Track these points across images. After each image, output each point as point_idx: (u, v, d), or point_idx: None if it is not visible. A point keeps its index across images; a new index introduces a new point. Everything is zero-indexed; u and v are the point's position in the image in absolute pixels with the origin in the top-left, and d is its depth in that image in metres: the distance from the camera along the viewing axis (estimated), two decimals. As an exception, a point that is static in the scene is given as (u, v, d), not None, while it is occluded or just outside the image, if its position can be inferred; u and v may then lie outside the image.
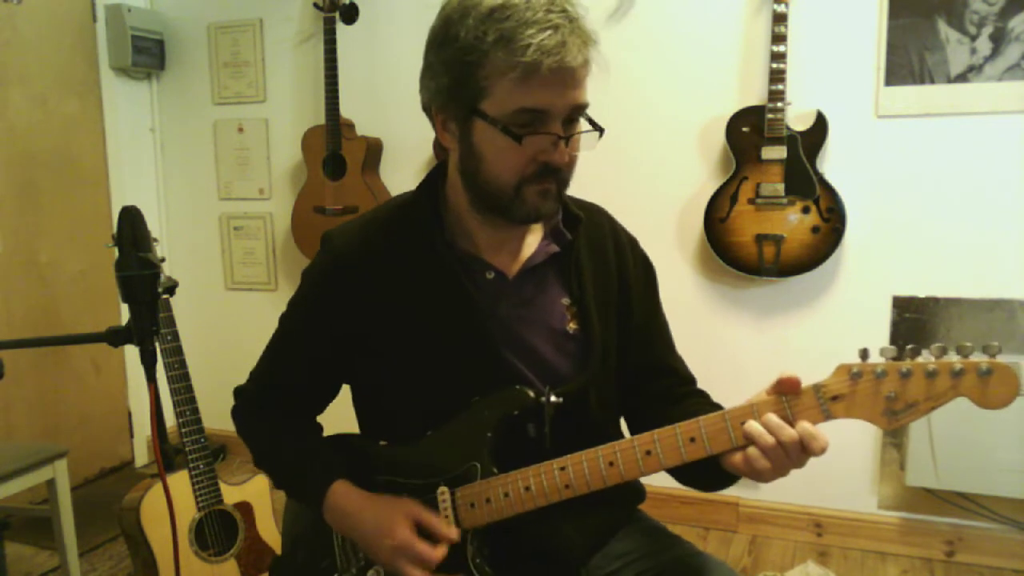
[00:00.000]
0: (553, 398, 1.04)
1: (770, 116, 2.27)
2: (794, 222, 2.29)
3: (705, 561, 1.13)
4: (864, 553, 2.42)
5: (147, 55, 3.11)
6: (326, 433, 1.25)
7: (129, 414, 3.21)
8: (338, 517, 1.12)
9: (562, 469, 1.01)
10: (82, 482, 2.97)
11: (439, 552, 1.04)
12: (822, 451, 0.90)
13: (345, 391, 1.23)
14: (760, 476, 0.93)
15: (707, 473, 1.01)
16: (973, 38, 2.18)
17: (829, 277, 2.40)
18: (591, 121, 1.04)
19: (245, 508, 1.96)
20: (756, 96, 2.37)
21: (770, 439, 0.91)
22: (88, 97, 3.03)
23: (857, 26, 2.29)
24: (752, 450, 0.92)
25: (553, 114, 0.98)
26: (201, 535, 1.88)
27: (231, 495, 1.94)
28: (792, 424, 0.91)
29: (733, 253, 2.37)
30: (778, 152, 2.28)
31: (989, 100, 2.19)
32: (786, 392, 0.93)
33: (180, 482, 1.86)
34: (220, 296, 3.28)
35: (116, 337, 0.98)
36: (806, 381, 0.93)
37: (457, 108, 1.02)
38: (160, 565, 1.83)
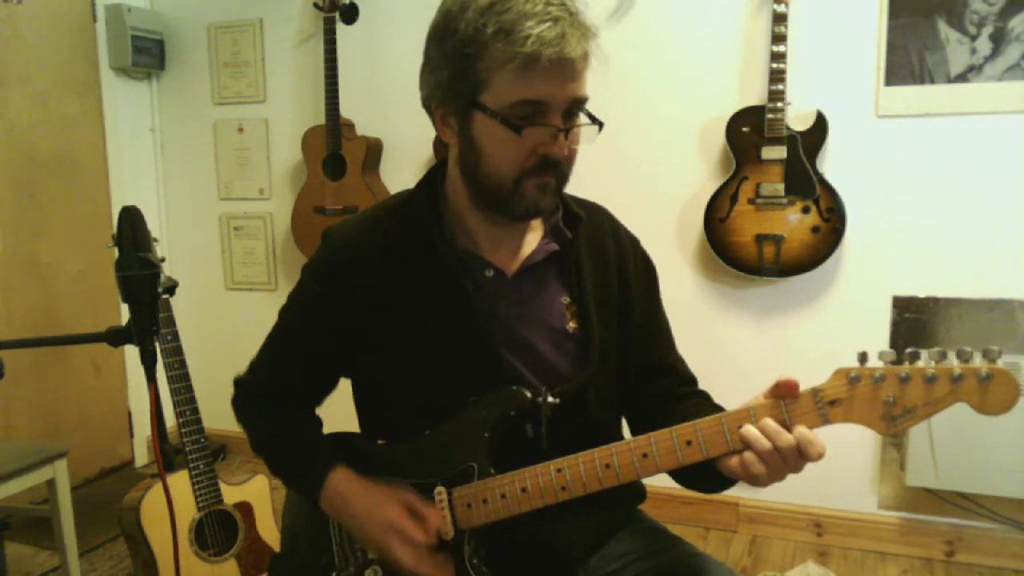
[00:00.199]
0: (550, 399, 1.04)
1: (770, 116, 2.27)
2: (794, 222, 2.29)
3: (704, 562, 1.13)
4: (864, 553, 2.42)
5: (147, 55, 3.11)
6: (326, 431, 1.25)
7: (129, 414, 3.21)
8: (335, 502, 1.12)
9: (558, 471, 1.01)
10: (82, 482, 2.97)
11: (430, 536, 1.05)
12: (819, 457, 0.89)
13: (346, 389, 1.24)
14: (756, 481, 0.92)
15: (705, 476, 1.00)
16: (973, 38, 2.18)
17: (829, 277, 2.40)
18: (590, 115, 1.04)
19: (245, 508, 1.96)
20: (756, 96, 2.37)
21: (767, 444, 0.91)
22: (88, 97, 3.03)
23: (857, 26, 2.29)
24: (748, 455, 0.92)
25: (552, 106, 0.98)
26: (201, 535, 1.88)
27: (231, 495, 1.94)
28: (789, 428, 0.91)
29: (733, 253, 2.37)
30: (778, 152, 2.28)
31: (989, 100, 2.18)
32: (784, 396, 0.92)
33: (180, 482, 1.86)
34: (220, 296, 3.29)
35: (116, 337, 0.98)
36: (806, 381, 0.93)
37: (456, 101, 1.02)
38: (160, 565, 1.83)
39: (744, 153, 2.34)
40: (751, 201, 2.32)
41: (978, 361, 0.85)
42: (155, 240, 1.49)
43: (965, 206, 2.25)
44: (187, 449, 1.86)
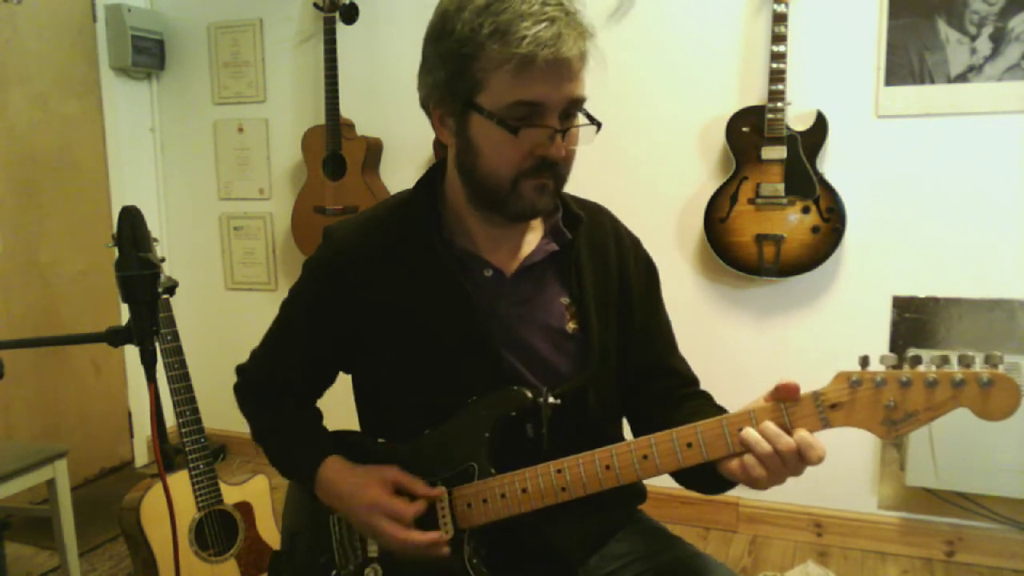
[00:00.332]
0: (551, 399, 1.04)
1: (770, 116, 2.27)
2: (794, 222, 2.29)
3: (704, 562, 1.13)
4: (864, 553, 2.42)
5: (147, 55, 3.11)
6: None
7: (129, 414, 3.21)
8: (328, 490, 1.13)
9: (559, 471, 1.01)
10: (82, 482, 2.97)
11: (414, 507, 1.05)
12: (819, 460, 0.89)
13: (348, 388, 1.24)
14: (756, 484, 0.92)
15: (705, 478, 1.00)
16: (973, 38, 2.18)
17: (829, 277, 2.40)
18: (588, 115, 1.03)
19: (245, 508, 1.96)
20: (756, 96, 2.37)
21: (767, 447, 0.91)
22: (88, 97, 3.03)
23: (857, 26, 2.29)
24: (749, 458, 0.92)
25: (549, 107, 0.98)
26: (201, 535, 1.88)
27: (231, 495, 1.94)
28: (790, 432, 0.91)
29: (733, 253, 2.37)
30: (778, 152, 2.28)
31: (989, 100, 2.18)
32: (784, 399, 0.92)
33: (180, 482, 1.86)
34: (220, 296, 3.29)
35: (116, 337, 0.98)
36: (806, 381, 0.93)
37: (454, 102, 1.02)
38: (160, 565, 1.83)
39: (744, 153, 2.34)
40: (751, 201, 2.32)
41: (980, 366, 0.85)
42: (155, 240, 1.49)
43: (965, 206, 2.25)
44: (187, 449, 1.86)
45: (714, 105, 2.44)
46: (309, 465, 1.15)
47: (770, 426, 0.91)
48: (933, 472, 2.26)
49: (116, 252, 0.98)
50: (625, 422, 1.23)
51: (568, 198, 1.16)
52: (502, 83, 0.97)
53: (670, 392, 1.18)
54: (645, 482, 1.16)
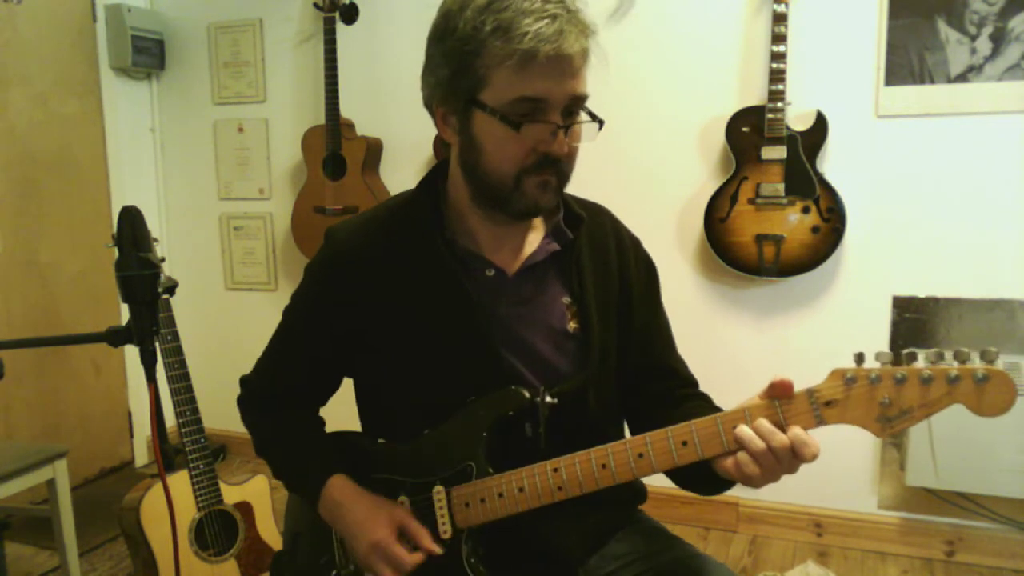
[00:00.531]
0: (548, 399, 1.04)
1: (770, 116, 2.27)
2: (794, 222, 2.29)
3: (704, 563, 1.13)
4: (864, 553, 2.42)
5: (147, 55, 3.11)
6: (328, 430, 1.25)
7: (129, 414, 3.21)
8: (332, 511, 1.12)
9: (555, 470, 1.01)
10: (82, 482, 2.97)
11: (414, 559, 1.05)
12: (813, 458, 0.89)
13: (349, 387, 1.24)
14: (750, 481, 0.92)
15: (701, 477, 1.00)
16: (973, 38, 2.18)
17: (829, 277, 2.40)
18: (590, 112, 1.04)
19: (245, 508, 1.96)
20: (756, 96, 2.37)
21: (761, 444, 0.91)
22: (88, 97, 3.03)
23: (857, 26, 2.29)
24: (743, 455, 0.92)
25: (552, 103, 0.98)
26: (201, 535, 1.88)
27: (231, 495, 1.94)
28: (784, 429, 0.91)
29: (733, 253, 2.37)
30: (778, 152, 2.28)
31: (989, 100, 2.18)
32: (779, 396, 0.92)
33: (180, 482, 1.86)
34: (220, 296, 3.29)
35: (116, 337, 0.98)
36: (806, 381, 0.93)
37: (456, 100, 1.02)
38: (160, 565, 1.83)
39: (744, 153, 2.34)
40: (751, 201, 2.32)
41: (976, 362, 0.85)
42: (155, 240, 1.49)
43: (965, 206, 2.25)
44: (187, 449, 1.86)
45: (714, 105, 2.44)
46: (314, 482, 1.14)
47: (764, 423, 0.91)
48: (933, 472, 2.26)
49: (116, 252, 0.98)
50: (625, 423, 1.23)
51: (569, 198, 1.16)
52: (504, 79, 0.97)
53: (669, 392, 1.18)
54: (645, 482, 1.16)
